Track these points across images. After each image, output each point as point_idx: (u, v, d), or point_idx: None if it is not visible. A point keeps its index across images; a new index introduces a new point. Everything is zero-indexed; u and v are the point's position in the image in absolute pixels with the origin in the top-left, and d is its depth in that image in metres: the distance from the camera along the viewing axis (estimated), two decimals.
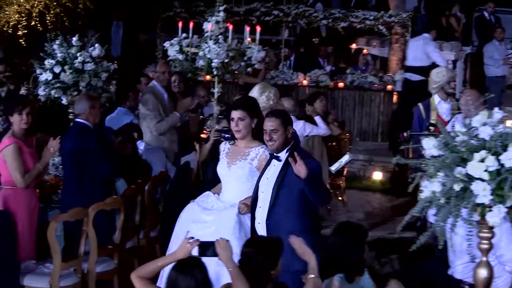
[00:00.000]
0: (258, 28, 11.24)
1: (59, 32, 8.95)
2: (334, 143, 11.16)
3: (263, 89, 7.63)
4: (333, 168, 10.79)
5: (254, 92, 7.67)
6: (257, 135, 6.50)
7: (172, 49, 11.06)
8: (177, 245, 6.23)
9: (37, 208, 7.28)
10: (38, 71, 8.48)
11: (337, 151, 11.16)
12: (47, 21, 14.00)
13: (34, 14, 14.05)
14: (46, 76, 8.35)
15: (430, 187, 4.13)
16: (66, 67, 8.34)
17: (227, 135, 8.11)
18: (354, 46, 15.82)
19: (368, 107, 14.20)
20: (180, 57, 11.02)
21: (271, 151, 6.24)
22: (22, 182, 7.02)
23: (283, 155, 6.15)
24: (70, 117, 8.70)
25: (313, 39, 15.66)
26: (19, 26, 14.18)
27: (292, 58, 15.31)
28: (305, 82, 14.34)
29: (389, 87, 14.19)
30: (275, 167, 6.18)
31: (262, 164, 6.44)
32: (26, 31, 14.11)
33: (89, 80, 8.44)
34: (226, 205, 6.51)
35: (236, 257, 5.81)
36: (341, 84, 14.25)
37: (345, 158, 10.95)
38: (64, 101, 8.50)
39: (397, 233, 9.31)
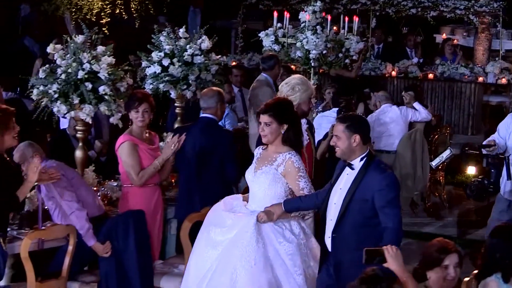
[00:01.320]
0: (356, 18, 10.99)
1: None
2: (436, 136, 10.86)
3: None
4: (434, 163, 10.49)
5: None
6: (288, 140, 6.25)
7: (267, 40, 10.81)
8: (200, 241, 6.29)
9: (161, 207, 7.09)
10: (144, 63, 8.24)
11: (436, 145, 10.90)
12: (132, 9, 13.98)
13: (118, 1, 14.05)
14: (154, 69, 8.08)
15: None
16: (175, 60, 8.09)
17: None
18: (444, 36, 15.40)
19: (458, 99, 13.77)
20: (276, 47, 10.81)
21: (337, 156, 5.96)
22: (136, 180, 6.83)
23: (357, 163, 5.84)
24: (177, 111, 8.57)
25: (402, 28, 15.42)
26: (102, 14, 14.15)
27: (380, 47, 14.92)
28: (393, 73, 14.01)
29: (480, 79, 13.70)
30: (348, 176, 5.86)
31: (288, 170, 6.20)
32: (109, 19, 14.10)
33: (198, 73, 8.20)
34: (248, 212, 6.30)
35: (250, 268, 5.89)
36: (430, 76, 13.84)
37: (446, 153, 10.63)
38: (173, 94, 8.23)
39: None
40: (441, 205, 11.10)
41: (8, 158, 6.33)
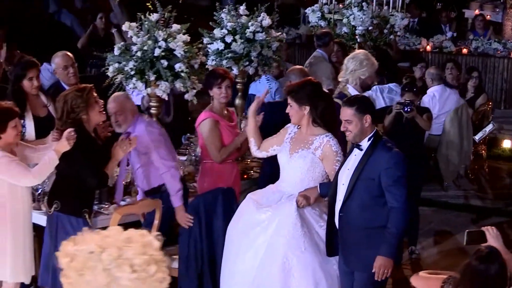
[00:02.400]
0: None
1: None
2: (481, 109, 11.01)
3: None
4: (477, 137, 10.72)
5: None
6: (316, 122, 6.20)
7: (313, 16, 10.92)
8: (239, 245, 6.26)
9: (238, 183, 7.15)
10: (205, 40, 8.30)
11: (479, 119, 11.03)
12: None
13: None
14: (217, 45, 8.13)
15: None
16: (237, 37, 8.16)
17: (408, 108, 7.98)
18: (477, 11, 15.37)
19: (492, 74, 13.84)
20: (322, 23, 10.91)
21: (348, 140, 6.03)
22: (217, 157, 6.90)
23: (365, 143, 5.83)
24: (238, 87, 8.50)
25: (436, 4, 15.48)
26: None
27: (415, 21, 14.83)
28: (428, 48, 14.04)
29: None
30: (356, 156, 5.86)
31: (326, 154, 6.17)
32: None
33: (260, 50, 8.25)
34: (283, 196, 6.27)
35: (302, 254, 5.91)
36: (464, 51, 13.88)
37: (489, 127, 10.87)
38: (235, 71, 8.21)
39: None
40: (484, 178, 11.25)
41: (94, 135, 6.43)
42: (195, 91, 7.23)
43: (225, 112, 7.12)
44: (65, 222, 6.39)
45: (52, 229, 6.45)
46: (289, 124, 6.41)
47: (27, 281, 6.46)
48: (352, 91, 7.35)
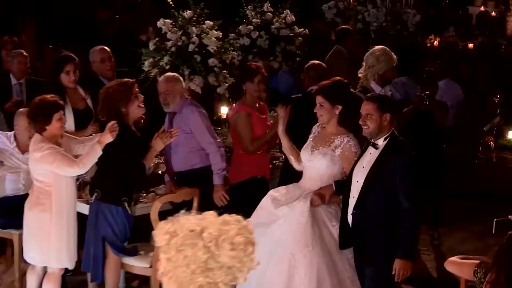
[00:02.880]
0: None
1: None
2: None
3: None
4: (486, 128, 11.06)
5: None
6: (343, 122, 6.25)
7: (330, 12, 11.23)
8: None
9: (268, 174, 7.38)
10: (231, 36, 8.56)
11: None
12: None
13: None
14: (243, 41, 8.45)
15: None
16: (262, 33, 8.45)
17: (427, 101, 8.27)
18: (482, 8, 15.59)
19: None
20: (338, 19, 11.23)
21: (364, 135, 5.98)
22: (250, 148, 7.11)
23: (380, 142, 5.85)
24: None
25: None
26: None
27: None
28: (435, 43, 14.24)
29: None
30: (371, 155, 5.89)
31: (345, 154, 6.20)
32: None
33: (284, 45, 8.54)
34: (302, 194, 6.30)
35: (308, 252, 5.89)
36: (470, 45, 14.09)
37: (497, 119, 11.21)
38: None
39: None
40: (492, 167, 11.49)
41: (134, 129, 6.59)
42: (226, 85, 7.54)
43: (257, 105, 7.30)
44: (105, 210, 6.56)
45: (93, 217, 6.64)
46: (314, 126, 6.50)
47: (71, 266, 6.61)
48: (374, 85, 7.51)
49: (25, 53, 8.41)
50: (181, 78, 7.18)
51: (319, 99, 6.22)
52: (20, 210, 7.06)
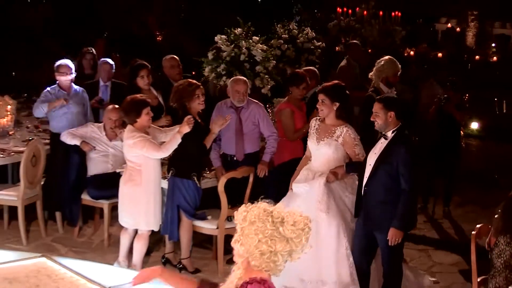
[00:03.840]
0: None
1: None
2: None
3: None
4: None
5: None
6: (340, 116, 6.30)
7: (334, 29, 11.69)
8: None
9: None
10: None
11: None
12: None
13: None
14: (275, 52, 8.58)
15: None
16: (290, 46, 8.86)
17: (443, 103, 8.58)
18: (449, 25, 15.87)
19: None
20: (340, 35, 11.69)
21: (376, 129, 5.97)
22: (292, 137, 7.39)
23: (389, 134, 5.86)
24: None
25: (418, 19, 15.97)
26: None
27: None
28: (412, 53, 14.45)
29: None
30: (382, 144, 5.90)
31: (346, 141, 6.24)
32: None
33: (307, 56, 8.96)
34: (315, 175, 6.34)
35: (326, 216, 5.95)
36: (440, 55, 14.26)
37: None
38: (289, 71, 8.75)
39: None
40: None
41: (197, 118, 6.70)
42: (269, 86, 7.85)
43: (299, 104, 7.57)
44: (179, 184, 6.72)
45: (170, 189, 6.76)
46: (312, 120, 6.55)
47: (156, 229, 6.77)
48: (382, 86, 7.60)
49: (110, 62, 8.50)
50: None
51: (321, 96, 6.29)
52: (108, 185, 7.33)
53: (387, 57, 7.94)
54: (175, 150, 6.58)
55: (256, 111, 7.22)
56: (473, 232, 5.52)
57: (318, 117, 6.40)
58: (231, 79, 7.20)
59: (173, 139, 6.48)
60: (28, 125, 9.05)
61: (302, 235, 3.20)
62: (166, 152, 6.54)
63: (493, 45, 14.80)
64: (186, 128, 6.42)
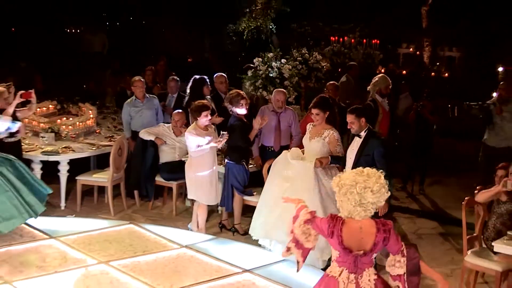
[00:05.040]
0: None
1: None
2: None
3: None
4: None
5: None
6: (329, 122, 6.44)
7: (328, 53, 12.22)
8: (274, 177, 6.27)
9: None
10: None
11: None
12: None
13: None
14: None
15: None
16: (303, 65, 9.12)
17: (419, 108, 8.73)
18: (411, 50, 16.40)
19: None
20: (333, 57, 12.26)
21: (352, 133, 6.07)
22: None
23: (362, 133, 5.98)
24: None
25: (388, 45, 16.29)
26: None
27: None
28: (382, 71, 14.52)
29: None
30: (357, 142, 6.03)
31: (331, 140, 6.33)
32: None
33: (316, 73, 9.28)
34: (306, 162, 6.34)
35: (310, 192, 5.90)
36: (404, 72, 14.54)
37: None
38: (302, 84, 9.10)
39: None
40: None
41: (244, 118, 6.90)
42: (293, 96, 8.27)
43: None
44: (233, 168, 6.97)
45: (226, 172, 7.03)
46: (307, 124, 6.66)
47: (214, 203, 7.02)
48: (378, 97, 7.78)
49: (176, 78, 8.78)
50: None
51: (315, 111, 6.41)
52: (176, 170, 7.66)
53: (380, 74, 8.17)
54: (227, 142, 6.74)
55: (291, 115, 7.47)
56: (463, 203, 5.76)
57: (313, 123, 6.55)
58: (275, 90, 7.44)
59: (206, 147, 6.62)
60: (109, 125, 9.34)
61: (381, 197, 3.56)
62: (195, 154, 6.64)
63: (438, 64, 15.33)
64: (218, 143, 6.66)
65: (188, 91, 8.21)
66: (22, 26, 13.99)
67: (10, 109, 6.73)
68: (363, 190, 3.46)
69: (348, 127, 5.97)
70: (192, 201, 7.10)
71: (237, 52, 12.48)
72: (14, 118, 6.76)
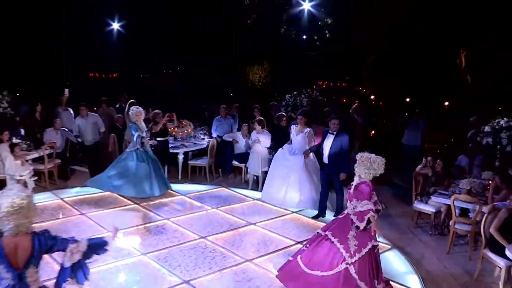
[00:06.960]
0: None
1: None
2: None
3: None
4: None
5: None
6: (307, 124, 8.61)
7: (319, 90, 17.12)
8: (277, 166, 8.61)
9: None
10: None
11: None
12: None
13: None
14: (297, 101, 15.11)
15: None
16: (307, 98, 14.77)
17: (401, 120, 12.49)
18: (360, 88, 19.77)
19: None
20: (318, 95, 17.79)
21: (332, 131, 7.91)
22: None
23: (335, 132, 7.95)
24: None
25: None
26: None
27: None
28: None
29: None
30: (331, 137, 8.01)
31: (308, 135, 8.48)
32: None
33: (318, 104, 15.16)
34: (295, 152, 8.32)
35: (302, 173, 7.80)
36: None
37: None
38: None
39: None
40: None
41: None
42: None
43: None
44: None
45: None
46: (292, 126, 8.80)
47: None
48: (355, 116, 12.26)
49: (257, 106, 13.41)
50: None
51: (299, 116, 8.75)
52: (244, 158, 11.13)
53: (356, 104, 12.62)
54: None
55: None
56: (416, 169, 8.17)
57: (297, 124, 8.84)
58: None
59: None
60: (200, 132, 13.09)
61: (379, 170, 5.44)
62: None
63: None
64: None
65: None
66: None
67: (160, 125, 11.06)
68: (371, 162, 5.38)
69: (331, 127, 8.14)
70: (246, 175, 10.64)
71: None
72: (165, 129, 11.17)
